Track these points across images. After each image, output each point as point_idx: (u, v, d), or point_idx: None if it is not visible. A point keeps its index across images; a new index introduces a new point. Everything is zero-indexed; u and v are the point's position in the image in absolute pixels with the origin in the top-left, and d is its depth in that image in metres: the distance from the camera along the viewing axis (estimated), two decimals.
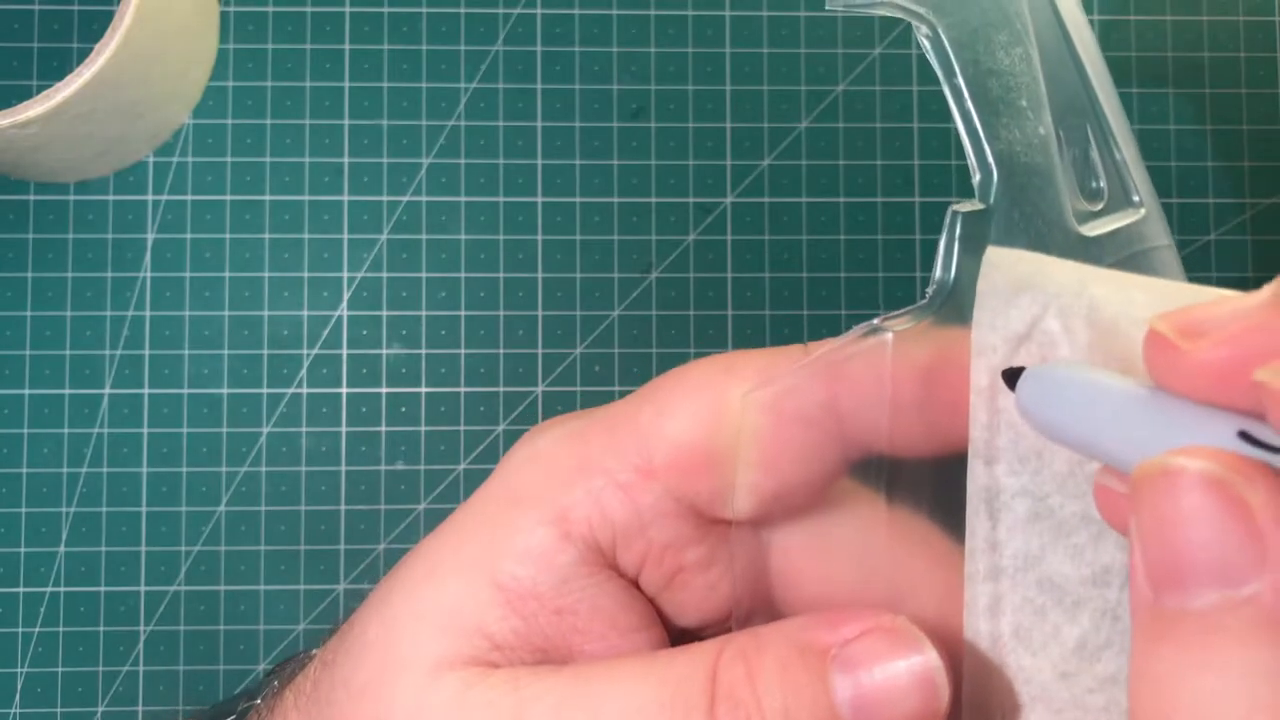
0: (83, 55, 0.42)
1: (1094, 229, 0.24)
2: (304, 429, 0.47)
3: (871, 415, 0.23)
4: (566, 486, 0.25)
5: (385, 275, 0.47)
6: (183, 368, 0.47)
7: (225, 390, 0.47)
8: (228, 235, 0.47)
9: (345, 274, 0.47)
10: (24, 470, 0.46)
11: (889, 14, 0.23)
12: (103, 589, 0.46)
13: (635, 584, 0.26)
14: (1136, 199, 0.25)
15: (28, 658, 0.45)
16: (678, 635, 0.27)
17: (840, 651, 0.22)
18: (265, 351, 0.47)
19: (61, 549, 0.46)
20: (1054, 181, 0.24)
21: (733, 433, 0.24)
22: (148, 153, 0.47)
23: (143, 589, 0.46)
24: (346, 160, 0.48)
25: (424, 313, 0.48)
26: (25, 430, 0.46)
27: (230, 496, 0.46)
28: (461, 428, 0.47)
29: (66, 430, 0.46)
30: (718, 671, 0.22)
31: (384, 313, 0.47)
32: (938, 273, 0.23)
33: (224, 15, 0.48)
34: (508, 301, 0.48)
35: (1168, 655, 0.17)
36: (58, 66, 0.47)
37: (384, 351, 0.47)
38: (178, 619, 0.46)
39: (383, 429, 0.47)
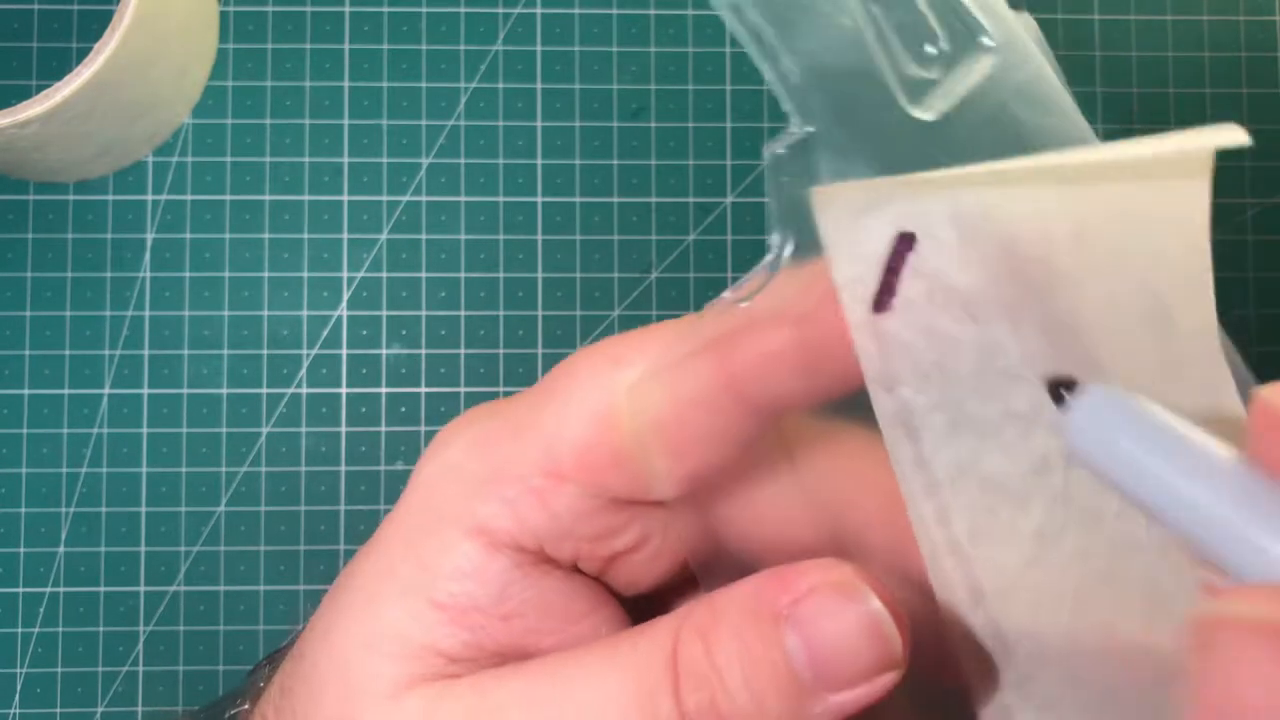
0: (82, 55, 0.42)
1: (942, 101, 0.22)
2: (304, 429, 0.47)
3: (771, 380, 0.23)
4: (481, 498, 0.25)
5: (385, 275, 0.47)
6: (182, 368, 0.47)
7: (225, 390, 0.47)
8: (227, 235, 0.47)
9: (345, 274, 0.47)
10: (23, 470, 0.46)
11: None
12: (102, 589, 0.46)
13: (576, 568, 0.26)
14: (986, 39, 0.22)
15: (27, 658, 0.45)
16: (632, 604, 0.27)
17: (791, 612, 0.22)
18: (265, 351, 0.47)
19: (61, 549, 0.46)
20: (875, 76, 0.22)
21: (630, 427, 0.24)
22: (147, 152, 0.47)
23: (142, 589, 0.46)
24: (346, 160, 0.48)
25: (424, 313, 0.47)
26: (25, 430, 0.46)
27: (230, 497, 0.46)
28: None
29: (66, 430, 0.46)
30: (678, 650, 0.22)
31: (384, 313, 0.47)
32: (774, 228, 0.22)
33: (223, 15, 0.48)
34: (508, 301, 0.48)
35: None
36: (57, 66, 0.47)
37: (384, 351, 0.47)
38: (177, 619, 0.46)
39: (383, 429, 0.47)
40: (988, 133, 0.22)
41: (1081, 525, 0.22)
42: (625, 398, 0.24)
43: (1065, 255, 0.21)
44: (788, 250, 0.22)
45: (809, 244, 0.22)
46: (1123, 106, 0.48)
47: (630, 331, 0.25)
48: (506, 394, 0.47)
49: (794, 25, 0.21)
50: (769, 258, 0.22)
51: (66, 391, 0.46)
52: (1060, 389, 0.20)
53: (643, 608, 0.27)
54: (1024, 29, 0.22)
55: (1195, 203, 0.20)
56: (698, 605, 0.23)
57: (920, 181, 0.21)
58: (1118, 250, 0.20)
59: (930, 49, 0.22)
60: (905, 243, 0.21)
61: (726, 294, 0.22)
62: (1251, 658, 0.15)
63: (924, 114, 0.22)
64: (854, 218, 0.21)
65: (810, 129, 0.21)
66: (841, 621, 0.22)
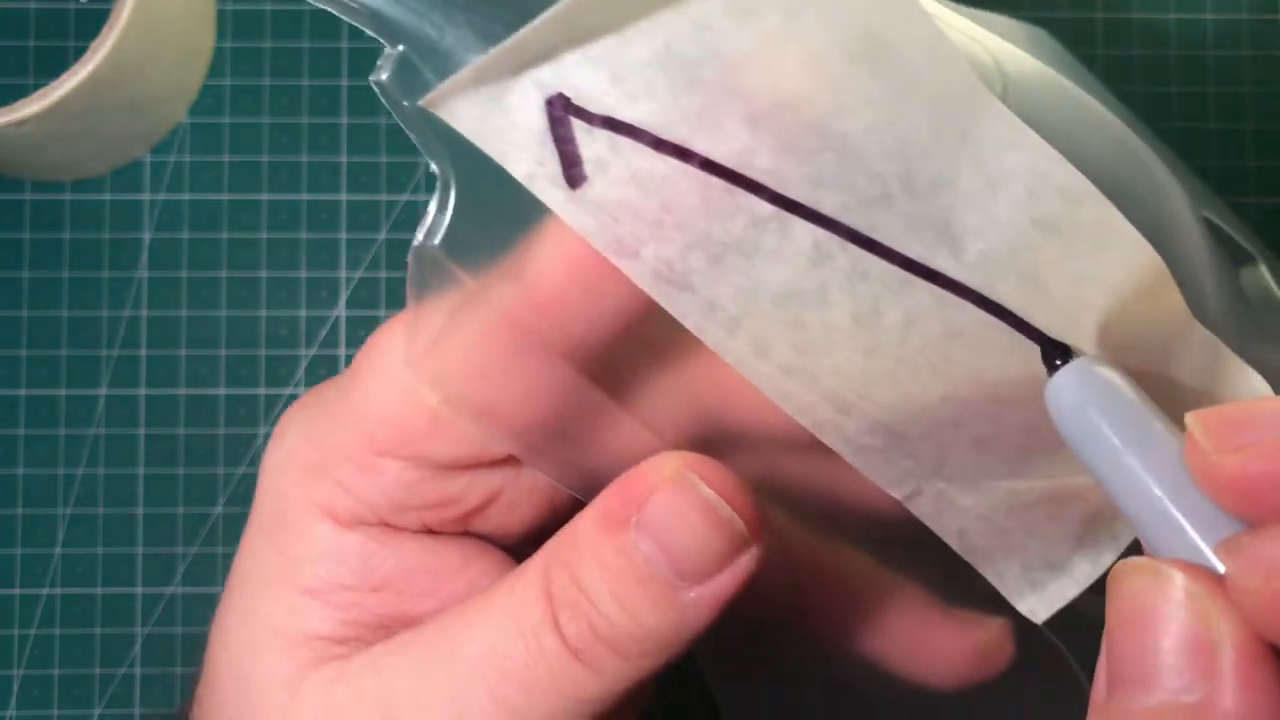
0: (79, 54, 0.42)
1: None
2: None
3: (542, 327, 0.22)
4: (316, 482, 0.25)
5: (384, 275, 0.47)
6: (180, 368, 0.46)
7: (222, 391, 0.46)
8: (225, 235, 0.47)
9: (343, 274, 0.47)
10: (20, 471, 0.46)
11: None
12: (99, 591, 0.46)
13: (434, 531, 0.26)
14: None
15: (24, 660, 0.45)
16: (529, 548, 0.26)
17: (639, 520, 0.22)
18: (263, 352, 0.47)
19: (58, 550, 0.46)
20: None
21: (433, 396, 0.24)
22: (144, 151, 0.47)
23: (140, 591, 0.46)
24: (344, 159, 0.47)
25: None
26: (21, 431, 0.46)
27: (228, 498, 0.46)
28: None
29: (63, 431, 0.46)
30: (550, 587, 0.23)
31: (382, 313, 0.47)
32: (428, 157, 0.21)
33: (221, 13, 0.48)
34: None
35: None
36: (54, 65, 0.47)
37: None
38: (175, 621, 0.46)
39: None
40: None
41: (893, 291, 0.21)
42: (413, 370, 0.24)
43: (729, 32, 0.19)
44: (450, 174, 0.21)
45: (470, 158, 0.20)
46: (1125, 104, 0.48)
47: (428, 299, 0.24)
48: None
49: None
50: (439, 186, 0.21)
51: (64, 392, 0.46)
52: (1055, 358, 0.21)
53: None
54: None
55: None
56: (560, 536, 0.23)
57: (516, 46, 0.19)
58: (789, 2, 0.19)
59: None
60: (559, 106, 0.20)
61: (419, 234, 0.22)
62: (1168, 608, 0.18)
63: None
64: (491, 108, 0.20)
65: (400, 47, 0.20)
66: (684, 515, 0.22)
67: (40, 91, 0.42)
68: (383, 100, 0.20)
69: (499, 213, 0.21)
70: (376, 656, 0.24)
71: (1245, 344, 0.23)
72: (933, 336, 0.21)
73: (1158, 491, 0.19)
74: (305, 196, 0.47)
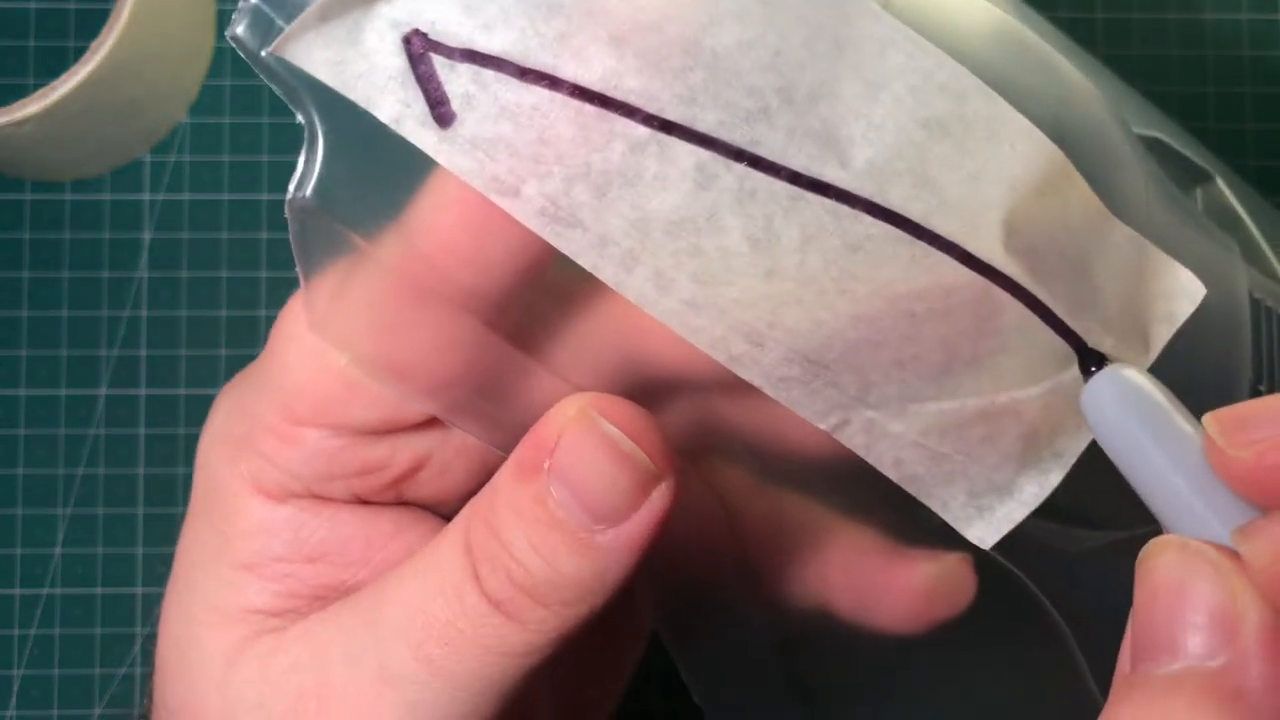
0: (79, 54, 0.42)
1: None
2: None
3: (435, 281, 0.22)
4: (244, 457, 0.25)
5: None
6: (180, 368, 0.46)
7: None
8: (225, 234, 0.47)
9: None
10: (20, 471, 0.46)
11: None
12: (99, 591, 0.46)
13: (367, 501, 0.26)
14: None
15: (24, 660, 0.45)
16: (451, 513, 0.26)
17: (551, 465, 0.22)
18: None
19: (58, 550, 0.46)
20: None
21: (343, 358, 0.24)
22: (144, 151, 0.47)
23: (140, 591, 0.46)
24: None
25: None
26: (21, 431, 0.46)
27: None
28: None
29: (63, 431, 0.46)
30: (470, 542, 0.23)
31: None
32: (294, 109, 0.20)
33: (220, 13, 0.48)
34: None
35: (1124, 713, 0.19)
36: (54, 65, 0.47)
37: None
38: None
39: None
40: None
41: (784, 209, 0.20)
42: (316, 331, 0.23)
43: None
44: (317, 122, 0.21)
45: (335, 105, 0.20)
46: None
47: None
48: None
49: None
50: (305, 136, 0.21)
51: (64, 392, 0.46)
52: (1091, 364, 0.22)
53: None
54: None
55: None
56: (481, 493, 0.23)
57: None
58: None
59: None
60: (417, 43, 0.20)
61: (291, 186, 0.21)
62: (1198, 582, 0.19)
63: None
64: (348, 51, 0.20)
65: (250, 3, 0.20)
66: (589, 455, 0.21)
67: (40, 91, 0.42)
68: (241, 55, 0.20)
69: (385, 168, 0.21)
70: (310, 625, 0.24)
71: (1185, 249, 0.23)
72: (832, 253, 0.20)
73: (1182, 484, 0.20)
74: None
